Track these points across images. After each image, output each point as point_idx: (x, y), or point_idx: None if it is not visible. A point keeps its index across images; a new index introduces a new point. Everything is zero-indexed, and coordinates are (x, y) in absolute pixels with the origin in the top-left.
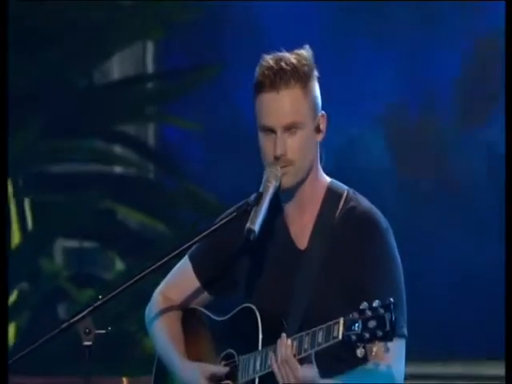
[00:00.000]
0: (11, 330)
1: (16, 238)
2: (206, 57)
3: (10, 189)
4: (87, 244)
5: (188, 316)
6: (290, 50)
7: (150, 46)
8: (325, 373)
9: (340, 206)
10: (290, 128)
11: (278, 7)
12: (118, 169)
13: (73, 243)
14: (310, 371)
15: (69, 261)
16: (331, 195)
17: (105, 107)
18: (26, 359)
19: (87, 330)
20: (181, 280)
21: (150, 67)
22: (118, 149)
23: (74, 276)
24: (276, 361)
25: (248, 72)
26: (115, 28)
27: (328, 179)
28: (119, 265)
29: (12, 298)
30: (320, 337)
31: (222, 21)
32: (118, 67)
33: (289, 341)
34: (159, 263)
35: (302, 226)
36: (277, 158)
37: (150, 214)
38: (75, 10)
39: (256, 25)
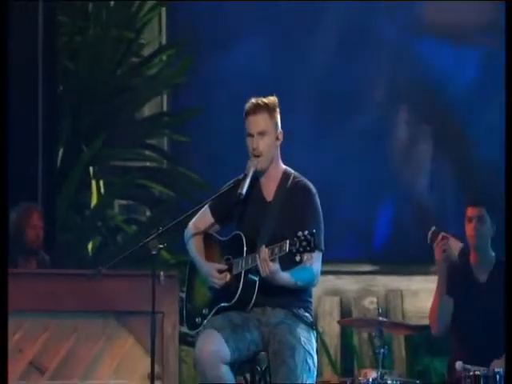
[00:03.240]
0: (90, 246)
1: (94, 200)
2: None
3: (91, 173)
4: (131, 202)
5: (206, 237)
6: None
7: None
8: (282, 268)
9: (290, 180)
10: (261, 134)
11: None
12: (148, 163)
13: (124, 202)
14: (276, 266)
15: (122, 211)
16: (285, 174)
17: (141, 130)
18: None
19: (154, 246)
20: (203, 217)
21: (165, 107)
22: (148, 152)
23: (125, 219)
24: (259, 258)
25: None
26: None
27: (284, 166)
28: (148, 213)
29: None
30: (277, 249)
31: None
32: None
33: (266, 249)
34: (185, 215)
35: (269, 190)
36: (253, 149)
37: (165, 187)
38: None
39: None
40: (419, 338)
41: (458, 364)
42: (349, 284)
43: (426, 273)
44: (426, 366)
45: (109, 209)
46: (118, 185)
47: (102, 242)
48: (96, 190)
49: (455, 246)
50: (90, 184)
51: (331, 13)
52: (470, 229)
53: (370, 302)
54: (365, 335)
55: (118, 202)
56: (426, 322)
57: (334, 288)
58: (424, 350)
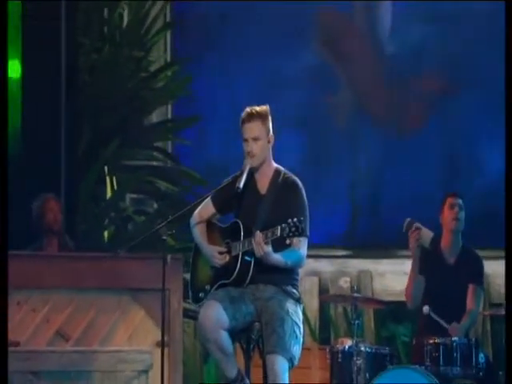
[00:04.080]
0: (105, 233)
1: (109, 194)
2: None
3: (106, 171)
4: (140, 196)
5: (209, 224)
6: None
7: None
8: (273, 250)
9: (281, 176)
10: (254, 139)
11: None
12: (154, 162)
13: (134, 195)
14: (269, 248)
15: (132, 203)
16: (277, 171)
17: (149, 135)
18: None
19: (164, 232)
20: (206, 208)
21: (169, 115)
22: (155, 153)
23: (135, 210)
24: (254, 242)
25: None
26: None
27: (276, 165)
28: (155, 205)
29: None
30: (270, 233)
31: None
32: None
33: (260, 234)
34: (189, 207)
35: (262, 184)
36: (248, 152)
37: (169, 183)
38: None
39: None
40: (385, 311)
41: (425, 308)
42: (326, 266)
43: (391, 257)
44: (392, 333)
45: (121, 201)
46: (129, 181)
47: (116, 230)
48: (110, 186)
49: (427, 235)
50: (106, 180)
51: None
52: (451, 214)
53: (344, 282)
54: (340, 309)
55: (129, 196)
56: (392, 298)
57: (313, 269)
58: (389, 320)
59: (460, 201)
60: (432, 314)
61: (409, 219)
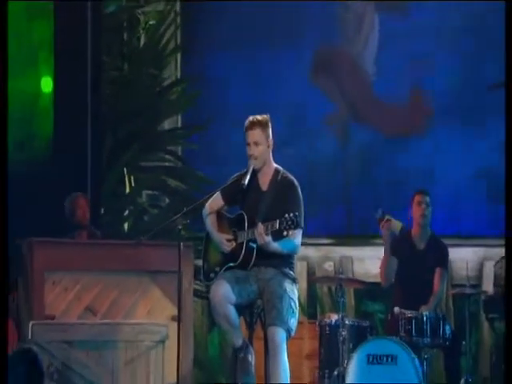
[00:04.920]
0: (125, 225)
1: (128, 190)
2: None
3: (126, 171)
4: (154, 192)
5: (219, 214)
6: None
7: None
8: (273, 239)
9: (280, 175)
10: (256, 143)
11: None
12: (167, 164)
13: (149, 192)
14: (269, 238)
15: (148, 198)
16: (276, 171)
17: (162, 140)
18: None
19: (180, 223)
20: (216, 201)
21: (179, 123)
22: (167, 156)
23: (150, 205)
24: (257, 233)
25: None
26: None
27: (275, 165)
28: (167, 200)
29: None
30: (270, 226)
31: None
32: (166, 123)
33: (262, 226)
34: (200, 201)
35: (264, 182)
36: (250, 155)
37: (179, 181)
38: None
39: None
40: (363, 291)
41: (396, 309)
42: (313, 252)
43: (369, 244)
44: (369, 309)
45: (138, 197)
46: (144, 180)
47: (134, 221)
48: (129, 184)
49: (396, 225)
50: (125, 179)
51: None
52: (419, 210)
53: (328, 266)
54: (325, 289)
55: (145, 192)
56: (370, 279)
57: (302, 255)
58: (366, 298)
59: (427, 198)
60: (403, 310)
61: (380, 211)
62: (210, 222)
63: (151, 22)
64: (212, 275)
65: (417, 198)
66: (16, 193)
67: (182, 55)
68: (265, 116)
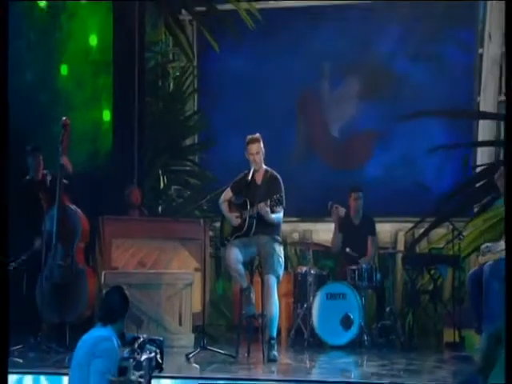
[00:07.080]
0: (159, 208)
1: (161, 186)
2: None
3: (160, 172)
4: (179, 187)
5: (229, 201)
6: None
7: None
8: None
9: (268, 173)
10: (257, 153)
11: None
12: (188, 168)
13: (176, 187)
14: (268, 210)
15: (175, 191)
16: (266, 171)
17: (184, 152)
18: None
19: (202, 205)
20: (227, 193)
21: (196, 140)
22: (187, 162)
23: (176, 195)
24: (260, 208)
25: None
26: (188, 131)
27: (265, 167)
28: (181, 193)
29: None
30: (265, 203)
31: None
32: (187, 141)
33: (262, 203)
34: (214, 193)
35: (259, 178)
36: (253, 161)
37: (196, 179)
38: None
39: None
40: (321, 252)
41: (347, 249)
42: (284, 227)
43: (322, 221)
44: (324, 263)
45: (168, 191)
46: (173, 179)
47: (165, 207)
48: (162, 181)
49: (342, 211)
50: (160, 178)
51: None
52: (355, 205)
53: (295, 235)
54: (293, 251)
55: (173, 187)
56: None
57: None
58: (322, 256)
59: (360, 193)
60: (350, 251)
61: (331, 202)
62: (224, 206)
63: (177, 73)
64: (226, 242)
65: (353, 195)
66: (88, 188)
67: (198, 95)
68: (258, 134)
